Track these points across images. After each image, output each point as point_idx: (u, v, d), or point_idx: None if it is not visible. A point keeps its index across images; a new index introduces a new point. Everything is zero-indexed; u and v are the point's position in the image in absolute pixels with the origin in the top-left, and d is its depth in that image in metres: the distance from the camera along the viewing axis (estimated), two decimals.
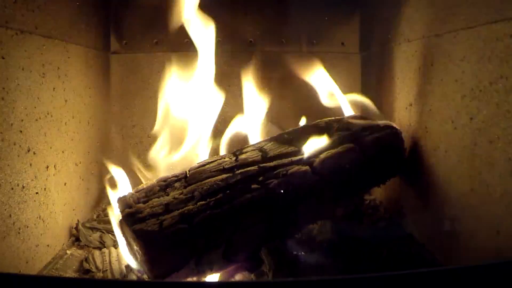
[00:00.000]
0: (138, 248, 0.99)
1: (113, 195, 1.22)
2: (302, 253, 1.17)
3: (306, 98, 1.73)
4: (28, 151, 1.07)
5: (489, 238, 0.93)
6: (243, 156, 1.16)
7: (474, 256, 0.98)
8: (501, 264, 0.74)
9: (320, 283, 0.72)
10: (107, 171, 1.39)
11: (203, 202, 1.04)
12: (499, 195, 0.90)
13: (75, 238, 1.33)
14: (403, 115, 1.37)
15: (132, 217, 1.02)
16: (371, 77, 1.72)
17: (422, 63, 1.24)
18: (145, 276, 1.05)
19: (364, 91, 1.78)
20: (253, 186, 1.07)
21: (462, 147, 1.03)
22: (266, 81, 1.77)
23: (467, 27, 1.01)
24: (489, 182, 0.93)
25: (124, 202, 1.06)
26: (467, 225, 1.01)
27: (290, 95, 1.77)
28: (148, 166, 1.45)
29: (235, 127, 1.49)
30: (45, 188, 1.15)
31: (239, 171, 1.11)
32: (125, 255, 1.11)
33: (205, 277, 1.03)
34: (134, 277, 1.11)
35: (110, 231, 1.35)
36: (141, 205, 1.04)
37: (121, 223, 1.06)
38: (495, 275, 0.72)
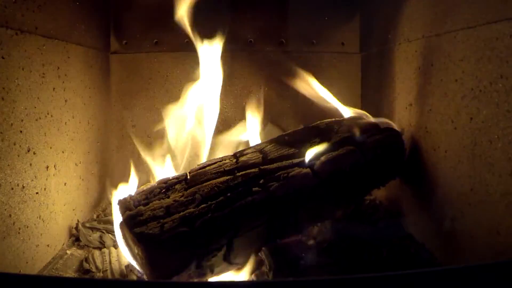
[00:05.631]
0: (138, 251, 0.99)
1: (115, 197, 1.21)
2: (302, 253, 1.17)
3: (306, 98, 1.74)
4: (28, 151, 1.07)
5: (489, 238, 0.93)
6: (243, 158, 1.16)
7: (474, 256, 0.98)
8: (501, 264, 0.74)
9: (320, 283, 0.72)
10: (107, 172, 1.39)
11: (204, 205, 1.03)
12: (499, 195, 0.90)
13: (75, 238, 1.33)
14: (403, 115, 1.37)
15: (133, 219, 1.01)
16: (371, 77, 1.72)
17: (422, 63, 1.24)
18: (145, 276, 1.05)
19: (364, 91, 1.79)
20: (254, 189, 1.07)
21: (462, 147, 1.03)
22: (266, 81, 1.78)
23: (467, 27, 1.01)
24: (489, 182, 0.93)
25: (124, 205, 1.06)
26: (467, 225, 1.01)
27: (290, 95, 1.77)
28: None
29: (235, 128, 1.49)
30: (45, 188, 1.15)
31: (240, 173, 1.10)
32: (126, 255, 1.11)
33: (206, 279, 1.03)
34: (134, 277, 1.11)
35: (110, 231, 1.35)
36: (141, 207, 1.04)
37: (121, 225, 1.05)
38: (495, 275, 0.72)
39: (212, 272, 1.03)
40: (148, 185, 1.14)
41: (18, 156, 1.02)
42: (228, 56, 1.54)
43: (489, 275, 0.72)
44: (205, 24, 1.47)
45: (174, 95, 1.76)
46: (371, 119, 1.32)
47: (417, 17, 1.28)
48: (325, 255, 1.17)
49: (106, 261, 1.19)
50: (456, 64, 1.05)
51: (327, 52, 1.79)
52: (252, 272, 1.11)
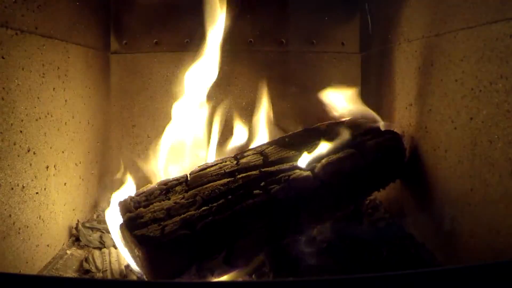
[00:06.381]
0: (139, 253, 0.99)
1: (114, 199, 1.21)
2: (302, 253, 1.17)
3: (306, 98, 1.74)
4: (28, 151, 1.07)
5: (489, 238, 0.93)
6: (244, 160, 1.16)
7: (474, 256, 0.98)
8: (501, 264, 0.74)
9: (320, 283, 0.72)
10: (107, 172, 1.38)
11: (205, 207, 1.03)
12: (499, 195, 0.90)
13: (75, 238, 1.33)
14: (403, 115, 1.37)
15: (133, 222, 1.01)
16: (371, 77, 1.72)
17: (422, 63, 1.24)
18: (144, 277, 1.05)
19: (364, 91, 1.78)
20: (255, 191, 1.06)
21: (462, 147, 1.03)
22: (266, 81, 1.77)
23: (467, 27, 1.01)
24: (489, 182, 0.93)
25: (124, 206, 1.06)
26: (467, 225, 1.01)
27: (290, 95, 1.77)
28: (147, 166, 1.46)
29: (235, 129, 1.49)
30: (45, 188, 1.15)
31: (241, 175, 1.10)
32: (125, 256, 1.11)
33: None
34: (134, 277, 1.11)
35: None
36: (142, 209, 1.04)
37: (121, 227, 1.05)
38: (495, 275, 0.72)
39: (213, 275, 1.03)
40: (148, 186, 1.14)
41: (18, 156, 1.02)
42: (228, 56, 1.54)
43: (489, 275, 0.72)
44: (205, 24, 1.47)
45: (174, 95, 1.76)
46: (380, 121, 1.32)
47: (417, 17, 1.28)
48: (325, 255, 1.17)
49: (106, 261, 1.19)
50: (456, 64, 1.05)
51: (327, 52, 1.79)
52: (252, 273, 1.11)
